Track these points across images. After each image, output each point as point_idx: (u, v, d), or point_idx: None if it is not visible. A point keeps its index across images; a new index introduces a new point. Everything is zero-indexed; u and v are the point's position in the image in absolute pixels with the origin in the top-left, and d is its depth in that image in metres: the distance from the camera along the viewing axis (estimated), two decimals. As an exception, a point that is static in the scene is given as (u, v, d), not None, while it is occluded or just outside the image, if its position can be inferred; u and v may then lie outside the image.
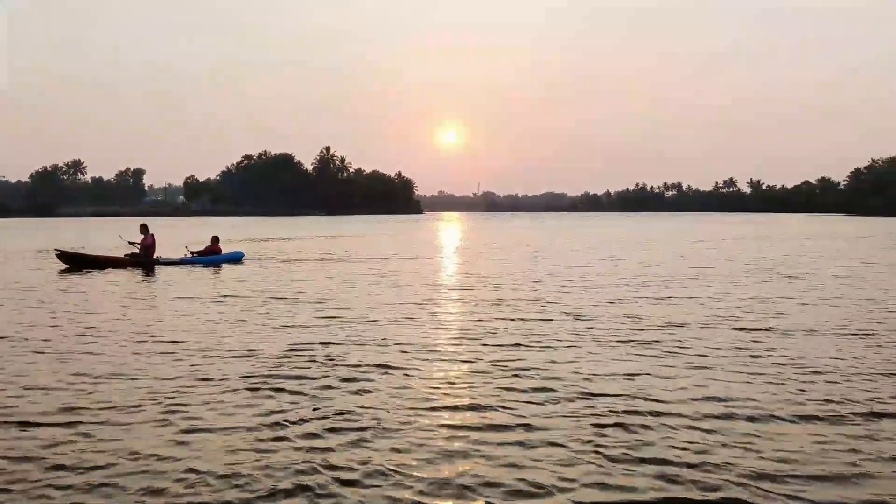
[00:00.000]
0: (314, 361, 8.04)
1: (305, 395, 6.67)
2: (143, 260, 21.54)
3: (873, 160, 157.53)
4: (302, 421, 5.86)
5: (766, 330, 9.93)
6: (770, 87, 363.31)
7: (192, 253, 23.19)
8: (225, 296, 14.30)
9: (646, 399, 6.45)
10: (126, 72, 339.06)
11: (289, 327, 10.45)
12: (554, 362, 7.94)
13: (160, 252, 22.38)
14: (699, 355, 8.29)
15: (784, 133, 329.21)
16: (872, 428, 5.65)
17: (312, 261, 24.20)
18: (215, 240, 23.98)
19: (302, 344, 9.07)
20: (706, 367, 7.67)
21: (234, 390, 6.84)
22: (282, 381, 7.18)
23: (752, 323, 10.54)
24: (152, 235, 21.81)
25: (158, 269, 20.75)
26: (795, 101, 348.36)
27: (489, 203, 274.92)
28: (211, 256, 23.10)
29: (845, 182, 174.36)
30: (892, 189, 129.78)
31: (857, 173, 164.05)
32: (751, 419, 5.87)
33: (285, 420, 5.88)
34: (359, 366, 7.79)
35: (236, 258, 23.67)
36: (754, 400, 6.41)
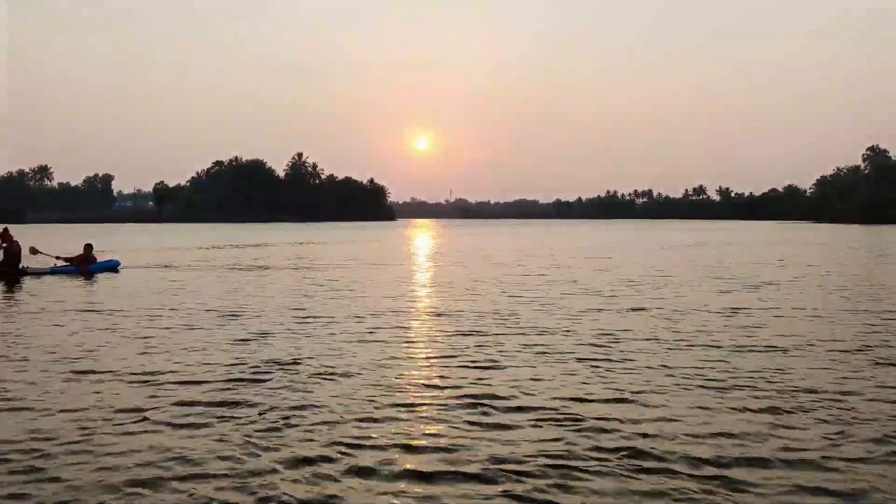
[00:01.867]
0: (240, 380, 7.80)
1: (238, 417, 6.47)
2: (7, 269, 20.26)
3: (837, 168, 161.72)
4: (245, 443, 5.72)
5: (740, 349, 9.83)
6: (743, 96, 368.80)
7: (61, 262, 22.17)
8: (111, 308, 13.65)
9: (615, 420, 6.36)
10: (95, 75, 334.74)
11: (200, 342, 10.08)
12: (511, 379, 7.82)
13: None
14: (669, 372, 8.25)
15: (753, 141, 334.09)
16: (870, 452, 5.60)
17: (259, 268, 24.00)
18: (89, 248, 22.79)
19: (220, 361, 8.78)
20: (679, 384, 7.61)
21: (159, 412, 6.60)
22: (205, 406, 6.92)
23: (721, 337, 10.53)
24: (17, 243, 20.60)
25: (25, 279, 19.67)
26: (766, 111, 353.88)
27: (462, 210, 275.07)
28: (84, 266, 22.04)
29: (811, 190, 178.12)
30: (855, 196, 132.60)
31: (822, 181, 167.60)
32: (736, 445, 5.79)
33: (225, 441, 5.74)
34: (290, 382, 7.63)
35: (112, 267, 22.80)
36: (737, 421, 6.37)
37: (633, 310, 13.61)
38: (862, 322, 12.08)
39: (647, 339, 10.37)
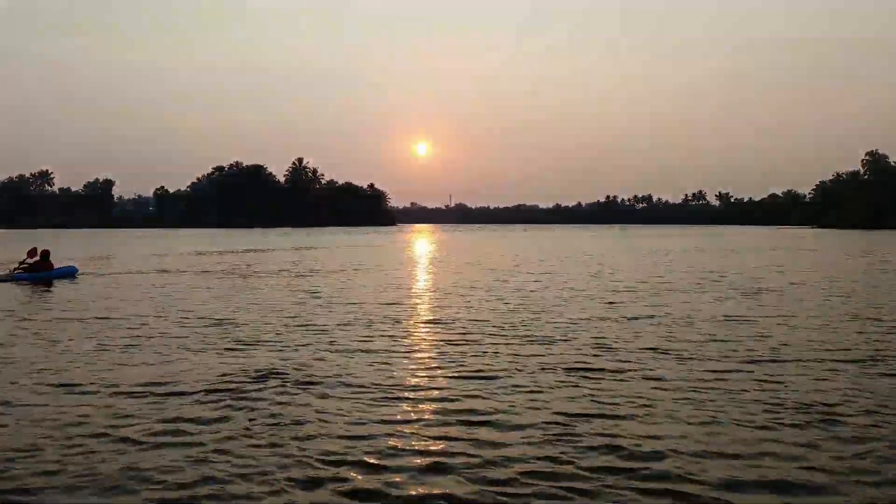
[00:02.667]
0: (215, 390, 7.72)
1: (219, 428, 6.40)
2: None
3: (837, 173, 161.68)
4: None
5: (754, 362, 9.56)
6: (742, 100, 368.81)
7: (18, 268, 21.89)
8: (83, 317, 13.55)
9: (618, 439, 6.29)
10: (96, 80, 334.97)
11: (173, 351, 9.96)
12: (504, 391, 7.75)
13: None
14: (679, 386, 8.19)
15: (753, 145, 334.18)
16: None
17: (243, 275, 23.98)
18: (45, 254, 22.50)
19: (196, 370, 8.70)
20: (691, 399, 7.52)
21: (142, 423, 6.51)
22: (185, 419, 6.86)
23: (721, 345, 10.42)
24: None
25: None
26: (766, 115, 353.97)
27: (461, 215, 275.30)
28: (41, 273, 21.79)
29: (810, 195, 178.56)
30: (855, 201, 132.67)
31: (821, 186, 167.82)
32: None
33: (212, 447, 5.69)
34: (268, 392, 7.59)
35: (70, 273, 22.65)
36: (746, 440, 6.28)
37: (630, 318, 13.50)
38: (861, 330, 11.99)
39: (645, 349, 10.27)
